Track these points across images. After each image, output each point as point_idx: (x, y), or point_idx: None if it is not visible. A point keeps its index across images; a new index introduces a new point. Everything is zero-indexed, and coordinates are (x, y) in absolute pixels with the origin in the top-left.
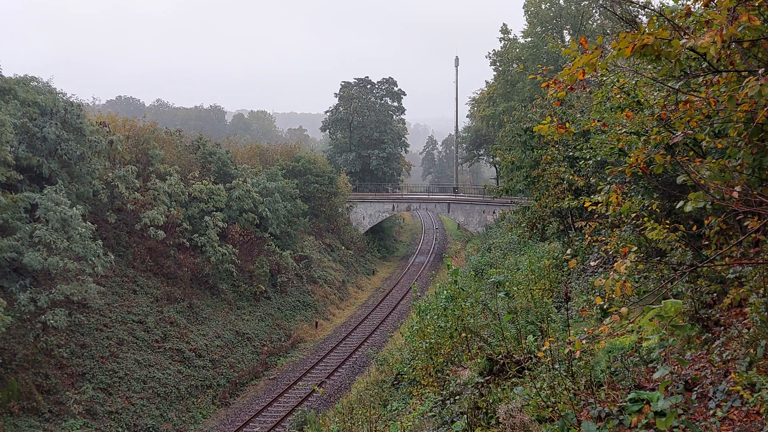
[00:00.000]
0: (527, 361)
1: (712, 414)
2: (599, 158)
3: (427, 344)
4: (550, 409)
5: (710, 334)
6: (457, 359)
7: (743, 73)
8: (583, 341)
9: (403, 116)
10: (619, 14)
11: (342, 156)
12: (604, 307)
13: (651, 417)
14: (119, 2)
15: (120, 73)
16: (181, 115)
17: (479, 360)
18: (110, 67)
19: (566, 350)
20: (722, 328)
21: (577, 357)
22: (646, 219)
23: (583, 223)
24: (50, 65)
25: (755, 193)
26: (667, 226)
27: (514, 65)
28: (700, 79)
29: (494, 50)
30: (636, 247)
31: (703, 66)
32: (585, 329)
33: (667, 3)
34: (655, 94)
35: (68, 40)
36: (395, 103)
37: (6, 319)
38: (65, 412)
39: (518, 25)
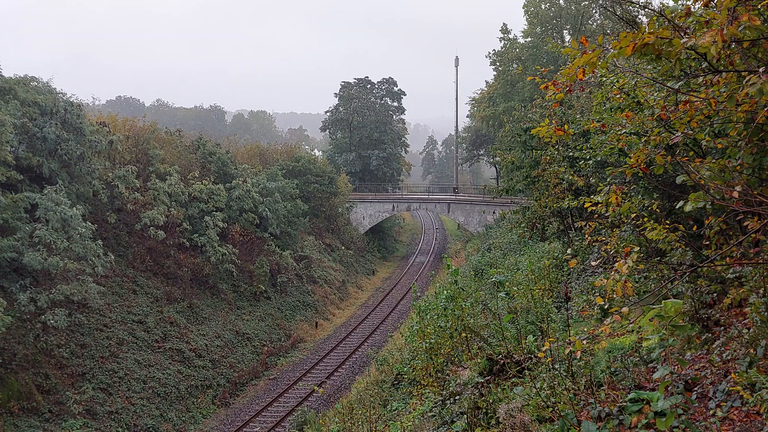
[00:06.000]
0: (527, 361)
1: (712, 414)
2: (599, 158)
3: (427, 344)
4: (550, 409)
5: (710, 334)
6: (457, 359)
7: (743, 73)
8: (584, 341)
9: (403, 116)
10: (619, 14)
11: (342, 156)
12: (605, 307)
13: (651, 417)
14: (137, 2)
15: (123, 72)
16: (181, 115)
17: (479, 360)
18: (118, 65)
19: (566, 350)
20: (722, 328)
21: (577, 357)
22: (646, 219)
23: (583, 223)
24: (62, 62)
25: (755, 193)
26: (667, 226)
27: (514, 65)
28: (700, 79)
29: (494, 50)
30: (637, 248)
31: (703, 66)
32: (585, 329)
33: (667, 3)
34: (655, 94)
35: (86, 36)
36: (395, 103)
37: (6, 319)
38: (65, 412)
39: (518, 25)
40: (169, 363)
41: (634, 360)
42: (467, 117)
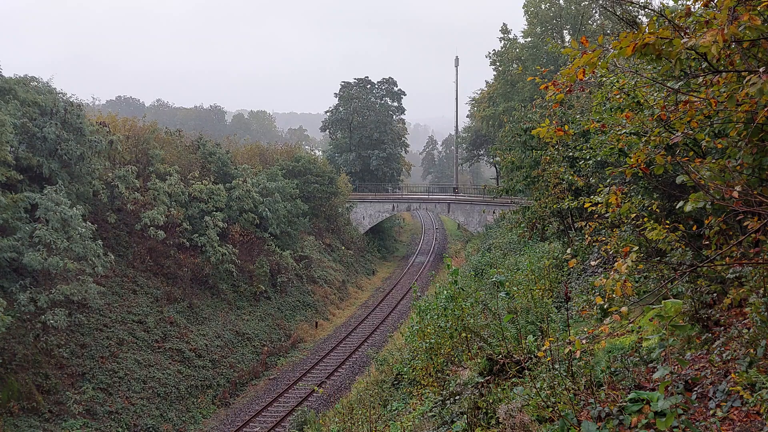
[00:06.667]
0: (527, 361)
1: (712, 414)
2: (599, 158)
3: (427, 344)
4: (550, 409)
5: (710, 334)
6: (457, 359)
7: (743, 73)
8: (583, 341)
9: (403, 116)
10: (619, 14)
11: (342, 156)
12: (605, 307)
13: (651, 417)
14: (137, 2)
15: (123, 71)
16: (181, 115)
17: (479, 360)
18: (118, 65)
19: (566, 350)
20: (722, 328)
21: (577, 357)
22: (646, 219)
23: (583, 223)
24: (62, 62)
25: (755, 193)
26: (667, 226)
27: (514, 65)
28: (700, 79)
29: (494, 50)
30: (637, 247)
31: (703, 66)
32: (585, 329)
33: (667, 3)
34: (655, 94)
35: (86, 36)
36: (395, 103)
37: (6, 319)
38: (65, 412)
39: (518, 25)
40: (169, 363)
41: (634, 360)
42: (467, 117)
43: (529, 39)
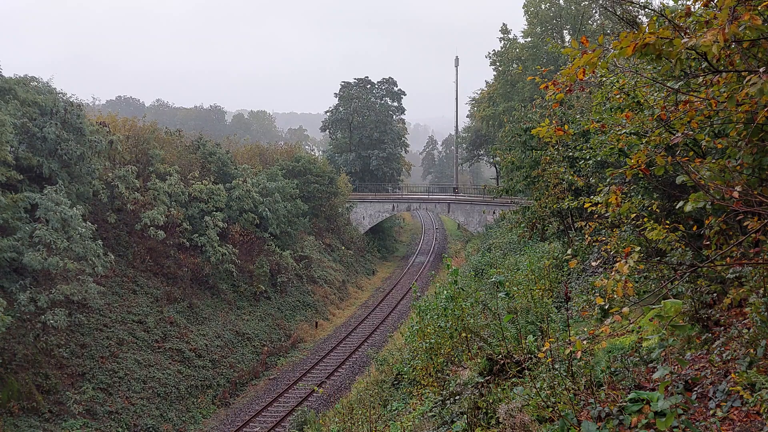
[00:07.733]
0: (527, 361)
1: (712, 414)
2: (599, 158)
3: (427, 344)
4: (550, 409)
5: (710, 334)
6: (457, 359)
7: (743, 73)
8: (584, 341)
9: (403, 116)
10: (619, 14)
11: (342, 156)
12: (605, 307)
13: (651, 417)
14: (137, 2)
15: (123, 72)
16: (181, 115)
17: (479, 360)
18: (118, 65)
19: (566, 350)
20: (722, 328)
21: (577, 357)
22: (646, 219)
23: (583, 223)
24: (62, 62)
25: (755, 193)
26: (667, 226)
27: (514, 65)
28: (700, 79)
29: (494, 50)
30: (639, 248)
31: (703, 66)
32: (585, 329)
33: (668, 3)
34: (655, 94)
35: (86, 36)
36: (395, 103)
37: (6, 319)
38: (65, 412)
39: (518, 25)
40: (169, 363)
41: (634, 360)
42: (467, 117)
43: (529, 39)
